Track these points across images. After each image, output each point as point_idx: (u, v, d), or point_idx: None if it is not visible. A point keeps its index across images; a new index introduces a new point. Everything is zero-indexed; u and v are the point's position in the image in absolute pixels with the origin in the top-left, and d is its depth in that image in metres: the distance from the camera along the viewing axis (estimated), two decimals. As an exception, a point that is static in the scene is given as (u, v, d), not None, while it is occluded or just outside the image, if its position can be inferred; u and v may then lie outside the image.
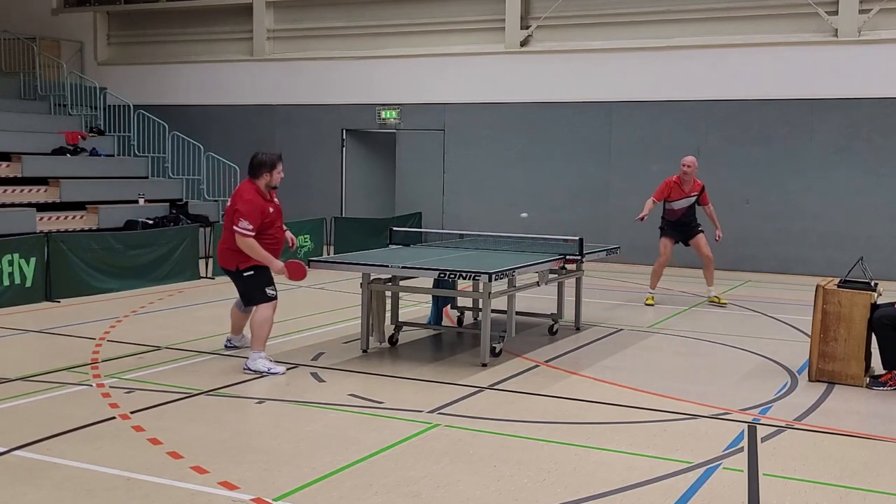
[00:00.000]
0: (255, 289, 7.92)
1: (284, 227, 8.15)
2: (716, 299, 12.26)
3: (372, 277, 8.60)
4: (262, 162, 7.90)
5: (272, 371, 7.75)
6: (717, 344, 9.50)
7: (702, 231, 12.28)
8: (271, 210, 7.92)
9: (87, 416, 6.33)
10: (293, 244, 8.37)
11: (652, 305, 11.96)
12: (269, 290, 7.91)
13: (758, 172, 16.27)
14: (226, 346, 8.67)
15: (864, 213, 15.62)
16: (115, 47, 22.22)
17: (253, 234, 7.70)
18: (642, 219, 11.95)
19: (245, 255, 7.79)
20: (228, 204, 7.99)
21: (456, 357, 8.67)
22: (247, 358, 7.89)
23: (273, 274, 7.94)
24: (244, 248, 7.72)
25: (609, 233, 16.15)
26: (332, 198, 19.64)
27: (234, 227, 7.70)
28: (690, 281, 13.95)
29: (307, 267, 8.02)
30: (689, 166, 12.01)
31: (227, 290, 11.11)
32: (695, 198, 12.12)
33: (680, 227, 12.18)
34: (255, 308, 7.95)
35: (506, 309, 8.67)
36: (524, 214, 14.01)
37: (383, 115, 19.22)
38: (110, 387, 7.18)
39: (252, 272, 7.88)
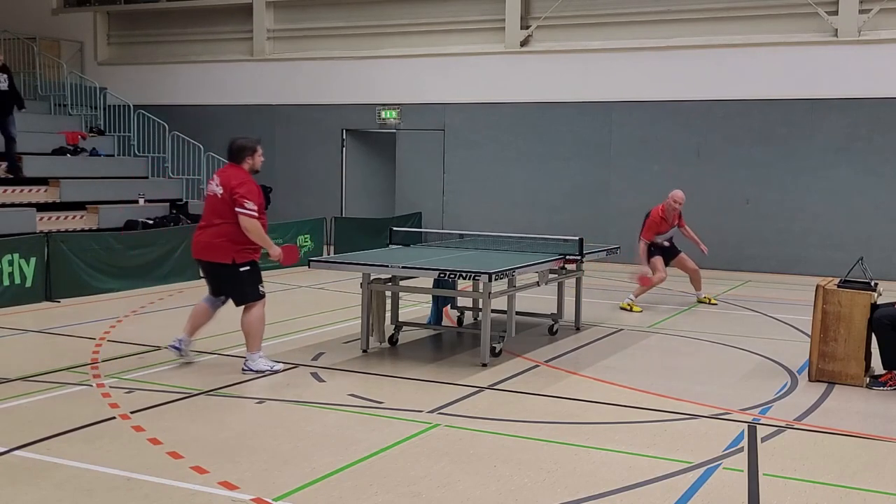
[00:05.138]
0: (250, 285, 7.61)
1: None
2: (706, 299, 12.27)
3: (372, 277, 8.60)
4: (243, 146, 7.64)
5: (275, 369, 7.67)
6: (717, 344, 9.50)
7: (681, 251, 12.17)
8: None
9: (87, 416, 6.33)
10: None
11: (629, 310, 11.43)
12: (261, 288, 7.70)
13: (758, 172, 16.27)
14: (171, 346, 7.92)
15: (864, 213, 15.62)
16: (115, 47, 22.22)
17: (257, 215, 7.45)
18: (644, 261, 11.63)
19: (243, 246, 7.49)
20: (217, 192, 7.52)
21: (456, 357, 8.67)
22: (244, 359, 7.82)
23: (271, 258, 7.75)
24: (251, 231, 7.41)
25: (609, 233, 16.14)
26: (332, 198, 19.65)
27: (240, 210, 7.36)
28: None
29: (300, 250, 7.88)
30: (679, 203, 11.67)
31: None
32: (675, 227, 12.00)
33: (664, 250, 11.97)
34: (246, 307, 7.65)
35: (506, 309, 8.67)
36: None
37: (383, 115, 19.22)
38: (110, 387, 7.18)
39: (249, 267, 7.58)
